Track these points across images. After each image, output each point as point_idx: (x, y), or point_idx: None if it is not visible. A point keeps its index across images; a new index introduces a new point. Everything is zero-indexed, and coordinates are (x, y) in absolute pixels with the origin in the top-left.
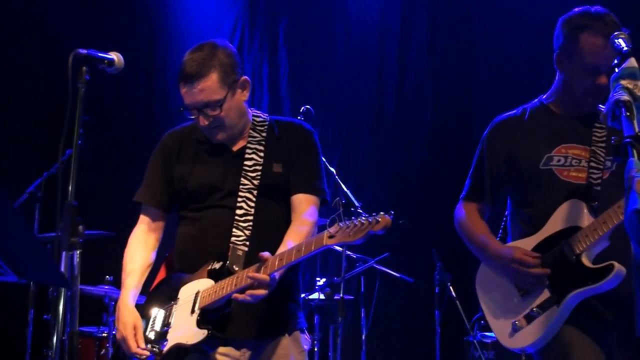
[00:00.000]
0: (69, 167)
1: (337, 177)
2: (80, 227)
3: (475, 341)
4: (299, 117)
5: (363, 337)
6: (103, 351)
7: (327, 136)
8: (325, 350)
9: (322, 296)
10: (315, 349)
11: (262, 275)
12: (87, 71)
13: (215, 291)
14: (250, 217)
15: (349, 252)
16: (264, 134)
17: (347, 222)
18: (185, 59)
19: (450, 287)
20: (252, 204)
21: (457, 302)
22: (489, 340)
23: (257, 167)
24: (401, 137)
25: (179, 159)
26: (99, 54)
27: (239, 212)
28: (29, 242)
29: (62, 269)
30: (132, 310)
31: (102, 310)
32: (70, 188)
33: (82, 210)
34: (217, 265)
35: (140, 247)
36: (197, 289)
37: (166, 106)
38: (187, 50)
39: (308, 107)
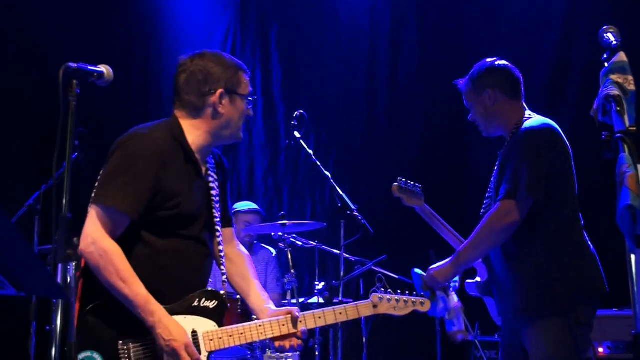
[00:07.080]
0: (63, 179)
1: (332, 180)
2: (76, 239)
3: (476, 341)
4: (292, 122)
5: (364, 339)
6: None
7: (321, 139)
8: (327, 354)
9: (321, 300)
10: (317, 353)
11: (300, 331)
12: (77, 84)
13: (231, 335)
14: (224, 253)
15: (347, 255)
16: (213, 161)
17: (391, 296)
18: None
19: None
20: (221, 238)
21: None
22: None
23: (218, 198)
24: (394, 138)
25: (168, 171)
26: (89, 67)
27: (219, 247)
28: (26, 256)
29: (59, 281)
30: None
31: None
32: (64, 201)
33: (79, 222)
34: (209, 304)
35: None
36: (191, 328)
37: (160, 116)
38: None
39: (301, 111)
